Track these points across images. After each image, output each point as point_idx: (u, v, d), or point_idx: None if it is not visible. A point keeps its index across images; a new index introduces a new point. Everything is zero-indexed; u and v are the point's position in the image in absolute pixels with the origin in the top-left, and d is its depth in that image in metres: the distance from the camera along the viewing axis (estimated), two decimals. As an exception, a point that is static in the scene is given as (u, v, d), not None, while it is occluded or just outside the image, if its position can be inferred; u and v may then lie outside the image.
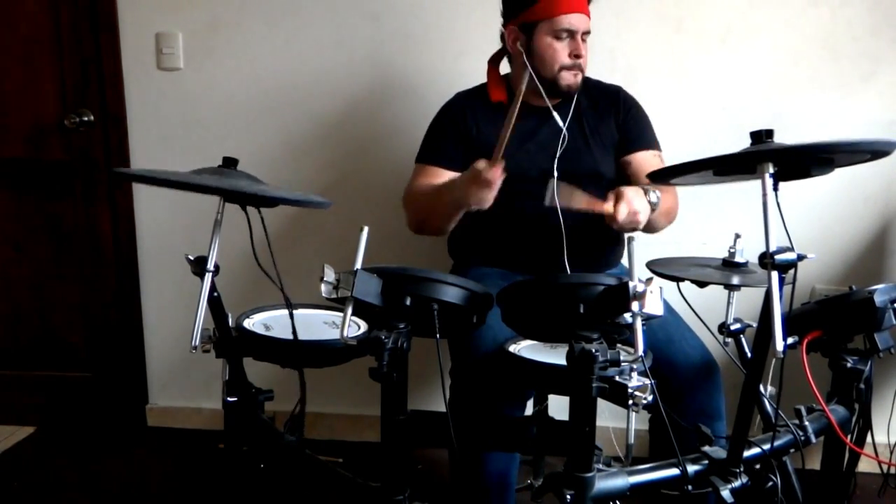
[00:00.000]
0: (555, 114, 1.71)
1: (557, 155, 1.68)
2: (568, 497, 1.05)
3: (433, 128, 1.79)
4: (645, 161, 1.73)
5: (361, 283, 1.06)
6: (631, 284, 0.99)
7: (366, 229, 1.09)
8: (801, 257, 0.99)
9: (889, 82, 2.02)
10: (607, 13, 1.96)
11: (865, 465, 1.54)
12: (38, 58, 2.21)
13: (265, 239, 1.21)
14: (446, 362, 1.55)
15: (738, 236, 1.39)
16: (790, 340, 1.31)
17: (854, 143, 1.15)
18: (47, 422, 2.43)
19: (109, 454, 2.26)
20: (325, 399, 2.31)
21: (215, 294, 1.28)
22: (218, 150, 1.34)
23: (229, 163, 1.26)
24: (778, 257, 0.97)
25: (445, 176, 1.72)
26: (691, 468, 1.15)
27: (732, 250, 1.39)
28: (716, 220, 2.07)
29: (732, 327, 1.41)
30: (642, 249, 1.06)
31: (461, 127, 1.73)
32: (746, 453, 1.18)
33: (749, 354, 1.32)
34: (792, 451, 1.28)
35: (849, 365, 1.36)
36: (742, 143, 1.10)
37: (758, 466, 1.21)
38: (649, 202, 1.51)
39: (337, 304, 1.09)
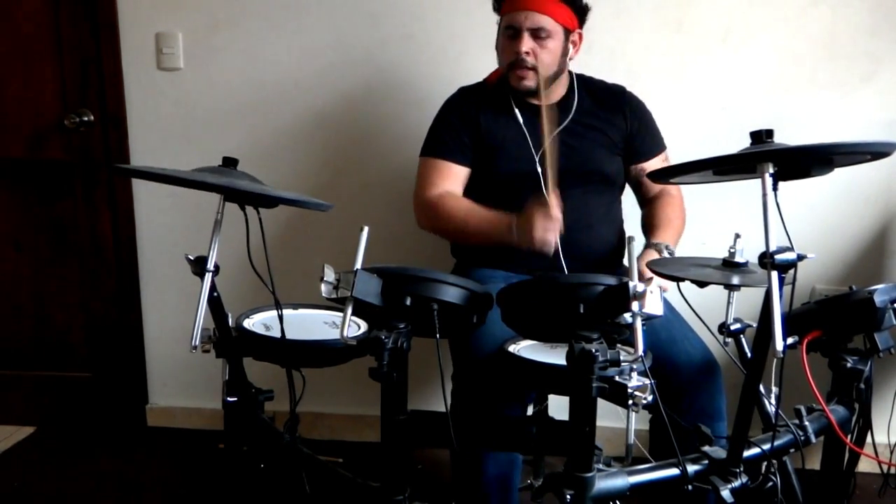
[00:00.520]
0: (518, 111, 1.71)
1: (541, 152, 1.68)
2: (568, 497, 1.05)
3: (439, 121, 1.78)
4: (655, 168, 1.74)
5: (361, 283, 1.06)
6: (631, 284, 0.99)
7: (366, 229, 1.09)
8: (801, 257, 0.99)
9: (889, 82, 2.02)
10: (607, 13, 1.96)
11: (865, 465, 1.54)
12: (38, 58, 2.21)
13: (262, 239, 1.21)
14: (447, 363, 1.55)
15: (738, 236, 1.39)
16: (790, 340, 1.31)
17: (854, 145, 1.15)
18: (47, 422, 2.43)
19: (109, 454, 2.26)
20: (325, 399, 2.31)
21: (215, 294, 1.28)
22: (218, 150, 1.34)
23: (229, 163, 1.26)
24: (778, 257, 0.97)
25: (454, 171, 1.72)
26: (691, 468, 1.15)
27: (732, 250, 1.39)
28: (716, 220, 2.06)
29: (732, 327, 1.41)
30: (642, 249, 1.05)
31: (468, 119, 1.73)
32: (746, 453, 1.18)
33: (749, 354, 1.32)
34: (792, 451, 1.28)
35: (849, 365, 1.36)
36: (742, 143, 1.10)
37: (760, 468, 1.21)
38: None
39: (337, 304, 1.09)
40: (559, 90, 1.75)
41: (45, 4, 2.17)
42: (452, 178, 1.72)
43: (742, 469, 1.16)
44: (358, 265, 1.08)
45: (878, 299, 1.30)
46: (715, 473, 1.16)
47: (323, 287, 1.06)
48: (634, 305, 0.99)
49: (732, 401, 1.27)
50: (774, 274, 0.98)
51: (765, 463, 1.21)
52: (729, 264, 1.39)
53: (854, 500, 1.51)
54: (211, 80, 2.19)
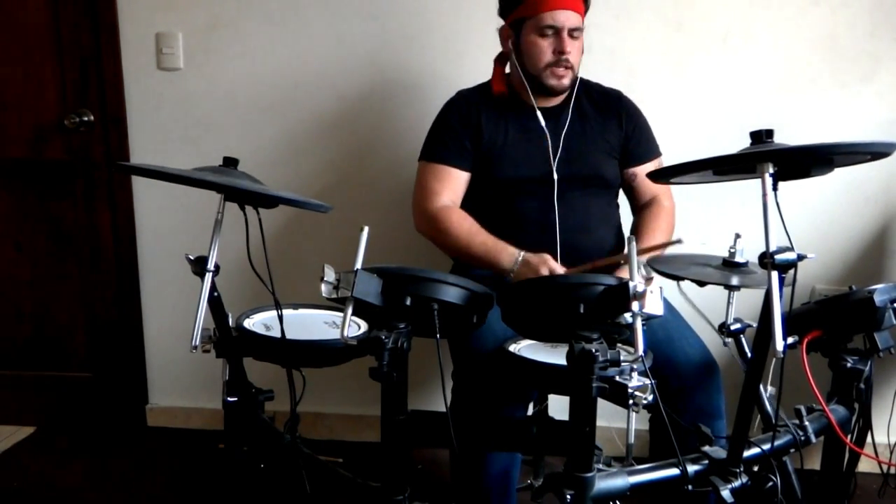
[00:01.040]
0: (524, 113, 1.71)
1: (557, 156, 1.68)
2: (568, 497, 1.05)
3: (439, 125, 1.77)
4: (645, 177, 1.73)
5: (361, 283, 1.06)
6: (631, 284, 0.99)
7: (366, 229, 1.09)
8: (801, 257, 0.99)
9: (889, 82, 2.02)
10: (607, 13, 1.96)
11: (865, 465, 1.54)
12: (38, 58, 2.21)
13: (262, 239, 1.21)
14: (447, 363, 1.55)
15: (738, 236, 1.39)
16: (790, 340, 1.31)
17: (854, 145, 1.15)
18: (47, 422, 2.43)
19: (109, 454, 2.26)
20: (325, 399, 2.31)
21: (215, 294, 1.28)
22: (218, 150, 1.34)
23: (229, 163, 1.26)
24: (778, 257, 0.97)
25: (455, 176, 1.71)
26: (691, 468, 1.15)
27: (732, 250, 1.39)
28: (716, 220, 2.07)
29: (732, 327, 1.41)
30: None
31: (468, 122, 1.72)
32: (746, 453, 1.18)
33: (749, 354, 1.32)
34: (792, 451, 1.28)
35: (849, 365, 1.37)
36: (742, 142, 1.10)
37: (757, 467, 1.21)
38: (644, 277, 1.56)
39: (337, 304, 1.09)
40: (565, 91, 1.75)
41: (45, 4, 2.17)
42: (453, 184, 1.71)
43: (742, 469, 1.16)
44: (358, 265, 1.08)
45: (878, 299, 1.30)
46: (715, 473, 1.16)
47: (323, 287, 1.06)
48: (634, 305, 0.99)
49: (732, 401, 1.27)
50: (774, 274, 0.98)
51: (761, 463, 1.21)
52: (729, 264, 1.39)
53: (854, 500, 1.51)
54: (211, 80, 2.19)
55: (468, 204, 1.79)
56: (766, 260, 0.98)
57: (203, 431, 2.39)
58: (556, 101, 1.73)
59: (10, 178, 2.31)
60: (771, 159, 1.01)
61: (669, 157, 1.82)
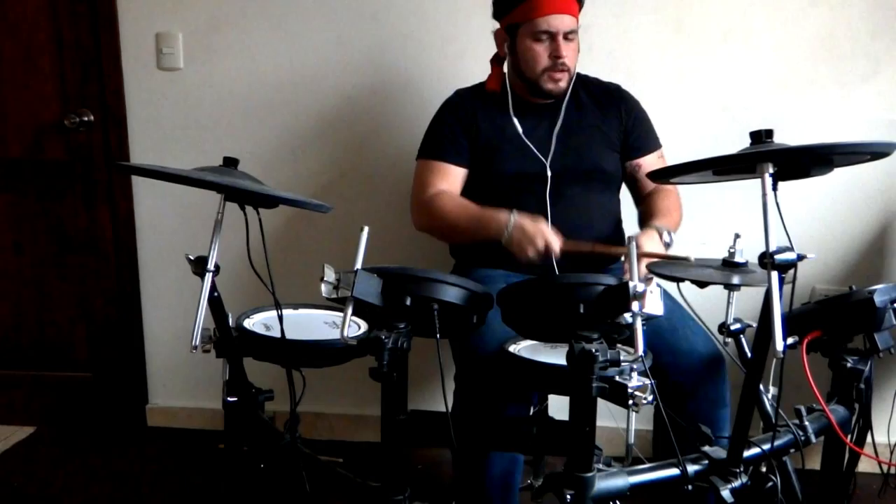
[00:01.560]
0: (521, 111, 1.71)
1: (541, 154, 1.69)
2: (568, 497, 1.05)
3: (436, 123, 1.78)
4: (651, 165, 1.75)
5: (361, 283, 1.06)
6: (631, 284, 0.99)
7: (366, 229, 1.09)
8: (801, 257, 0.99)
9: (889, 82, 2.02)
10: (607, 14, 1.96)
11: (865, 465, 1.54)
12: (38, 58, 2.21)
13: (262, 239, 1.21)
14: (447, 363, 1.55)
15: (738, 236, 1.39)
16: (790, 340, 1.31)
17: (853, 145, 1.15)
18: (47, 422, 2.43)
19: (109, 454, 2.26)
20: (325, 399, 2.31)
21: (215, 294, 1.28)
22: (218, 150, 1.34)
23: (230, 163, 1.26)
24: (778, 257, 0.97)
25: (451, 171, 1.72)
26: (691, 468, 1.15)
27: (732, 250, 1.39)
28: (716, 220, 2.06)
29: (732, 327, 1.42)
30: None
31: (466, 121, 1.73)
32: (746, 453, 1.18)
33: (749, 354, 1.32)
34: (792, 451, 1.28)
35: (849, 365, 1.37)
36: (742, 142, 1.10)
37: (757, 467, 1.21)
38: (665, 244, 1.57)
39: (337, 304, 1.09)
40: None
41: (45, 4, 2.17)
42: (449, 179, 1.72)
43: (742, 469, 1.16)
44: (358, 265, 1.08)
45: (878, 299, 1.30)
46: (715, 473, 1.16)
47: (323, 287, 1.06)
48: (634, 305, 0.99)
49: (733, 401, 1.27)
50: (774, 274, 0.98)
51: (761, 463, 1.21)
52: (729, 264, 1.39)
53: (854, 500, 1.50)
54: (211, 80, 2.19)
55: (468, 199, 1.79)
56: (766, 260, 0.98)
57: (203, 431, 2.39)
58: (549, 98, 1.73)
59: (10, 178, 2.31)
60: (771, 159, 1.02)
61: (669, 157, 1.83)
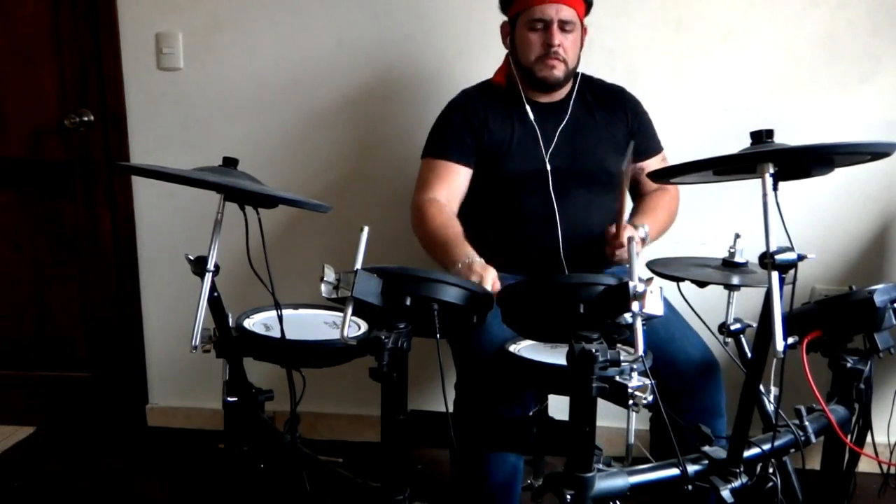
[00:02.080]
0: (527, 109, 1.71)
1: (545, 153, 1.68)
2: (568, 497, 1.05)
3: (442, 122, 1.77)
4: (654, 168, 1.73)
5: (361, 283, 1.06)
6: (631, 284, 0.99)
7: (366, 229, 1.09)
8: (801, 257, 0.99)
9: (889, 82, 2.02)
10: (607, 13, 1.96)
11: (865, 465, 1.54)
12: (38, 58, 2.21)
13: (261, 240, 1.21)
14: (447, 363, 1.55)
15: (738, 236, 1.40)
16: (790, 340, 1.31)
17: (854, 145, 1.15)
18: (47, 422, 2.43)
19: (109, 454, 2.26)
20: (325, 399, 2.31)
21: (215, 294, 1.28)
22: (218, 150, 1.34)
23: (229, 163, 1.26)
24: (778, 257, 0.97)
25: (454, 171, 1.71)
26: (691, 468, 1.15)
27: (732, 250, 1.40)
28: (716, 220, 2.07)
29: (732, 327, 1.42)
30: (642, 249, 1.06)
31: (472, 121, 1.72)
32: (746, 453, 1.18)
33: (749, 354, 1.32)
34: (792, 451, 1.28)
35: (849, 365, 1.37)
36: (742, 142, 1.10)
37: (759, 467, 1.21)
38: (640, 238, 1.57)
39: (337, 304, 1.09)
40: (567, 86, 1.75)
41: (45, 4, 2.17)
42: (450, 179, 1.71)
43: (742, 469, 1.16)
44: (358, 265, 1.07)
45: (878, 299, 1.30)
46: (715, 473, 1.16)
47: (323, 287, 1.06)
48: (634, 305, 0.98)
49: (732, 401, 1.27)
50: (774, 274, 0.98)
51: (761, 463, 1.21)
52: (729, 264, 1.39)
53: (854, 500, 1.51)
54: (211, 80, 2.19)
55: (474, 203, 1.79)
56: (767, 260, 0.98)
57: (203, 431, 2.39)
58: (557, 96, 1.73)
59: (10, 178, 2.31)
60: (771, 159, 1.02)
61: (669, 157, 1.83)
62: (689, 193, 1.85)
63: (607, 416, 1.34)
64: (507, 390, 1.42)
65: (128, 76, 2.20)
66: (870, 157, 1.13)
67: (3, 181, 2.31)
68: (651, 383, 1.02)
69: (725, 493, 1.13)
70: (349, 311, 1.06)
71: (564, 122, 1.71)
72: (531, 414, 1.52)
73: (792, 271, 1.00)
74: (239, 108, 2.19)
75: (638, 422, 1.26)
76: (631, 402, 1.01)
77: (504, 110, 1.73)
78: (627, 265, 1.04)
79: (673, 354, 1.48)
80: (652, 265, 1.41)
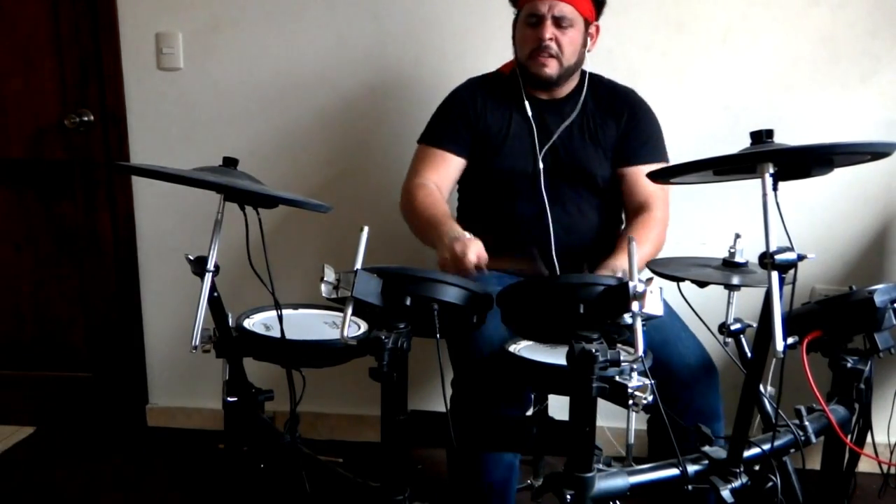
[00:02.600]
0: (525, 104, 1.70)
1: (537, 151, 1.68)
2: (568, 497, 1.05)
3: (441, 110, 1.78)
4: (639, 177, 1.67)
5: (361, 283, 1.06)
6: (631, 284, 0.99)
7: (366, 229, 1.09)
8: (801, 257, 0.99)
9: (889, 82, 2.02)
10: (607, 13, 1.96)
11: (865, 465, 1.54)
12: (38, 58, 2.21)
13: (262, 239, 1.21)
14: (447, 363, 1.55)
15: (738, 236, 1.39)
16: (790, 340, 1.31)
17: (854, 145, 1.15)
18: (47, 422, 2.43)
19: (109, 454, 2.26)
20: (325, 399, 2.31)
21: (215, 294, 1.28)
22: (218, 150, 1.34)
23: (229, 163, 1.26)
24: (778, 257, 0.97)
25: (446, 159, 1.71)
26: (691, 468, 1.15)
27: (732, 250, 1.39)
28: (716, 220, 2.07)
29: (732, 327, 1.41)
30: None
31: (469, 111, 1.73)
32: (746, 453, 1.18)
33: (749, 354, 1.32)
34: (792, 451, 1.28)
35: (849, 365, 1.37)
36: (742, 142, 1.10)
37: (758, 467, 1.21)
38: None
39: (337, 304, 1.09)
40: (569, 86, 1.74)
41: (45, 4, 2.17)
42: (440, 167, 1.71)
43: (742, 469, 1.16)
44: (358, 265, 1.08)
45: (878, 299, 1.30)
46: (715, 473, 1.16)
47: (323, 287, 1.06)
48: (634, 305, 0.98)
49: (732, 401, 1.27)
50: (774, 274, 0.98)
51: (761, 463, 1.21)
52: (729, 264, 1.39)
53: (854, 500, 1.51)
54: (211, 80, 2.19)
55: (470, 199, 1.79)
56: (766, 260, 0.98)
57: (203, 431, 2.39)
58: (558, 94, 1.72)
59: (11, 178, 2.31)
60: (771, 160, 1.01)
61: (670, 156, 1.82)
62: (690, 193, 1.85)
63: (607, 416, 1.34)
64: (504, 389, 1.42)
65: (128, 76, 2.20)
66: (870, 157, 1.13)
67: (3, 181, 2.31)
68: (651, 383, 1.02)
69: (725, 493, 1.13)
70: (349, 311, 1.06)
71: (560, 122, 1.70)
72: (531, 414, 1.52)
73: (792, 271, 1.00)
74: (239, 108, 2.20)
75: (638, 422, 1.26)
76: (631, 402, 1.01)
77: (504, 103, 1.73)
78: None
79: (668, 358, 1.46)
80: (652, 265, 1.41)
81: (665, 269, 1.38)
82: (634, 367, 1.04)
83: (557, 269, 1.64)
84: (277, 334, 1.29)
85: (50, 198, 2.31)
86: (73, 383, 2.44)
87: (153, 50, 2.18)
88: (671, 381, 1.45)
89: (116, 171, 2.26)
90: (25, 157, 2.28)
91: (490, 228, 1.71)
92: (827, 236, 2.11)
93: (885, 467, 1.47)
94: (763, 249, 0.98)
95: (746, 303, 1.48)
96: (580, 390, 1.04)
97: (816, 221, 2.09)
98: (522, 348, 1.36)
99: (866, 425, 1.40)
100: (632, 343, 1.00)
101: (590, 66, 1.85)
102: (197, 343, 1.18)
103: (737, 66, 2.04)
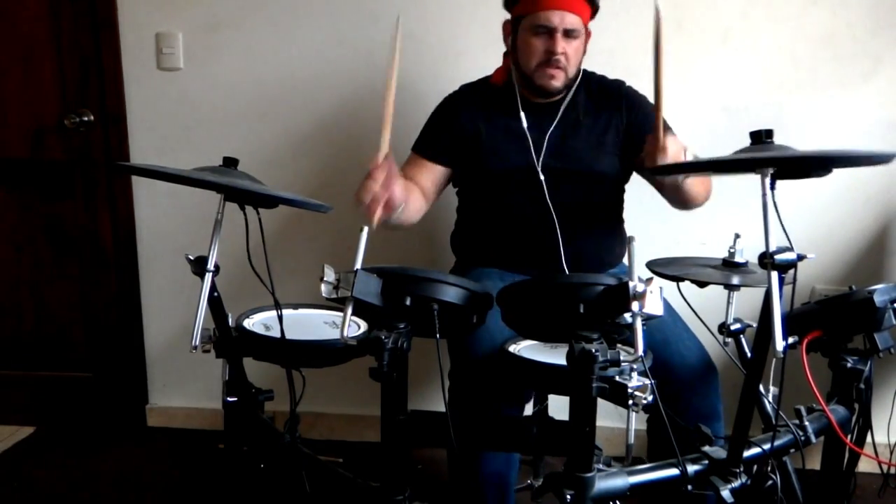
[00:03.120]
0: (519, 108, 1.69)
1: (534, 153, 1.67)
2: (568, 497, 1.05)
3: (430, 118, 1.79)
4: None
5: (361, 283, 1.06)
6: (631, 284, 0.99)
7: (366, 229, 1.09)
8: (800, 257, 0.99)
9: (889, 82, 2.02)
10: (607, 13, 1.95)
11: (865, 465, 1.54)
12: (38, 58, 2.21)
13: (262, 239, 1.21)
14: (446, 363, 1.55)
15: (737, 236, 1.40)
16: (790, 340, 1.31)
17: (853, 156, 1.15)
18: (47, 422, 2.43)
19: (109, 454, 2.26)
20: (325, 399, 2.31)
21: (215, 294, 1.28)
22: (218, 150, 1.34)
23: (230, 163, 1.26)
24: (778, 257, 0.97)
25: (427, 167, 1.72)
26: (691, 468, 1.15)
27: (732, 250, 1.40)
28: (716, 220, 2.06)
29: (732, 327, 1.42)
30: (642, 249, 1.06)
31: (454, 121, 1.73)
32: (746, 453, 1.18)
33: (749, 354, 1.32)
34: (792, 451, 1.28)
35: (849, 365, 1.37)
36: (742, 142, 1.10)
37: (758, 467, 1.21)
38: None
39: (337, 304, 1.09)
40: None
41: (45, 4, 2.17)
42: (423, 174, 1.72)
43: (742, 469, 1.16)
44: (358, 265, 1.08)
45: (878, 299, 1.30)
46: (715, 473, 1.16)
47: (323, 287, 1.06)
48: (634, 305, 0.98)
49: (732, 401, 1.27)
50: (774, 274, 0.98)
51: (761, 463, 1.21)
52: (729, 264, 1.39)
53: (854, 500, 1.51)
54: (211, 80, 2.19)
55: (471, 204, 1.79)
56: (766, 260, 0.98)
57: (203, 431, 2.39)
58: (553, 97, 1.72)
59: (10, 178, 2.31)
60: (769, 165, 1.01)
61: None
62: (689, 193, 1.85)
63: (607, 416, 1.34)
64: (506, 390, 1.42)
65: (128, 76, 2.20)
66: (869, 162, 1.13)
67: (3, 181, 2.31)
68: (651, 383, 1.02)
69: (725, 493, 1.13)
70: (349, 311, 1.06)
71: (555, 124, 1.70)
72: (531, 414, 1.52)
73: (792, 271, 1.00)
74: (239, 108, 2.20)
75: (638, 422, 1.26)
76: (631, 402, 1.01)
77: (496, 109, 1.72)
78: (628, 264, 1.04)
79: (668, 359, 1.46)
80: (652, 265, 1.41)
81: (665, 269, 1.38)
82: (634, 367, 1.04)
83: (565, 268, 1.64)
84: (277, 334, 1.29)
85: (50, 198, 2.31)
86: (73, 383, 2.44)
87: (153, 50, 2.18)
88: (671, 380, 1.45)
89: (117, 171, 2.26)
90: (25, 157, 2.28)
91: (494, 231, 1.71)
92: (827, 236, 2.11)
93: (885, 467, 1.47)
94: (763, 249, 0.98)
95: (746, 303, 1.48)
96: (580, 390, 1.04)
97: (816, 221, 2.09)
98: (522, 348, 1.36)
99: (866, 425, 1.40)
100: (632, 343, 1.00)
101: (590, 66, 1.85)
102: (197, 343, 1.18)
103: (737, 66, 2.04)
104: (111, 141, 2.24)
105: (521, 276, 1.64)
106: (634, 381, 1.02)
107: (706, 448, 1.20)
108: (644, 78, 2.00)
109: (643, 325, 1.00)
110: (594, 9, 1.66)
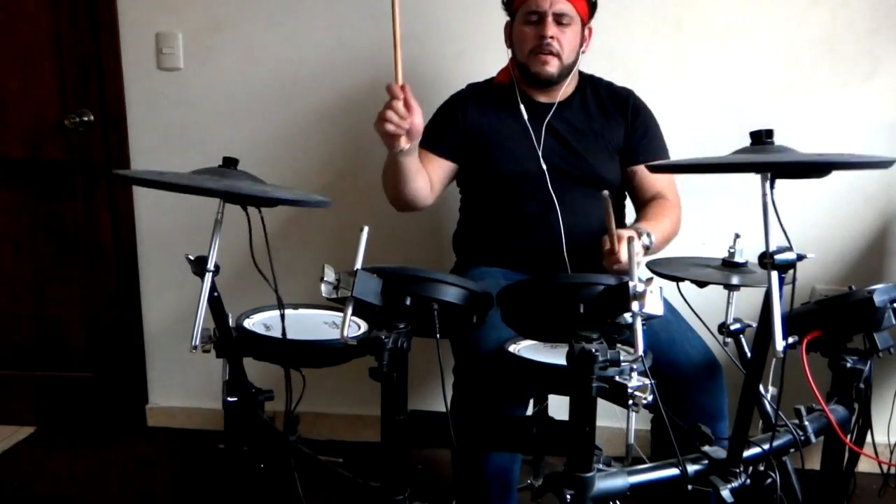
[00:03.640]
0: (522, 108, 1.70)
1: (540, 153, 1.68)
2: (568, 497, 1.05)
3: (437, 113, 1.80)
4: (648, 174, 1.71)
5: (361, 283, 1.06)
6: (631, 284, 0.99)
7: (366, 229, 1.09)
8: (800, 257, 0.99)
9: (889, 82, 2.02)
10: (607, 13, 1.96)
11: (865, 465, 1.54)
12: (38, 58, 2.21)
13: (264, 239, 1.21)
14: (447, 363, 1.55)
15: (737, 236, 1.40)
16: (790, 340, 1.31)
17: (852, 162, 1.14)
18: (47, 422, 2.43)
19: (109, 454, 2.26)
20: (325, 399, 2.31)
21: (215, 294, 1.28)
22: (218, 150, 1.34)
23: (229, 163, 1.26)
24: (778, 257, 0.97)
25: (433, 160, 1.73)
26: (691, 468, 1.15)
27: (732, 250, 1.40)
28: (716, 220, 2.06)
29: (732, 327, 1.41)
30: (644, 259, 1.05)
31: (457, 116, 1.74)
32: (746, 453, 1.18)
33: (749, 354, 1.32)
34: (792, 450, 1.28)
35: (849, 365, 1.36)
36: (742, 142, 1.10)
37: (757, 466, 1.21)
38: (643, 246, 1.50)
39: (337, 304, 1.09)
40: (568, 87, 1.75)
41: (45, 4, 2.17)
42: (430, 167, 1.72)
43: (742, 469, 1.16)
44: (358, 265, 1.08)
45: (878, 299, 1.30)
46: (715, 473, 1.16)
47: (323, 287, 1.06)
48: (634, 305, 0.99)
49: (732, 401, 1.27)
50: (774, 274, 0.97)
51: (761, 462, 1.21)
52: (729, 264, 1.39)
53: (854, 500, 1.50)
54: (211, 80, 2.19)
55: (473, 203, 1.79)
56: (766, 260, 0.98)
57: (203, 431, 2.39)
58: (557, 96, 1.73)
59: (10, 178, 2.31)
60: (769, 170, 1.00)
61: (671, 155, 1.82)
62: (690, 193, 1.85)
63: (607, 416, 1.34)
64: (506, 390, 1.42)
65: (128, 76, 2.20)
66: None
67: (3, 181, 2.31)
68: (651, 383, 1.02)
69: (725, 493, 1.13)
70: (349, 311, 1.06)
71: (558, 124, 1.71)
72: (531, 414, 1.52)
73: (792, 271, 1.00)
74: (239, 108, 2.20)
75: (638, 422, 1.26)
76: (631, 402, 1.01)
77: (500, 108, 1.73)
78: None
79: (674, 357, 1.47)
80: (652, 265, 1.41)
81: (665, 269, 1.38)
82: (634, 367, 1.04)
83: (568, 267, 1.64)
84: (277, 334, 1.29)
85: (50, 198, 2.31)
86: (73, 383, 2.44)
87: (153, 50, 2.18)
88: (678, 380, 1.45)
89: (114, 181, 2.26)
90: (25, 158, 2.28)
91: (499, 231, 1.71)
92: (827, 236, 2.11)
93: (884, 467, 1.47)
94: (763, 249, 0.98)
95: (746, 303, 1.48)
96: (580, 390, 1.04)
97: (816, 221, 2.09)
98: (522, 348, 1.36)
99: (866, 425, 1.40)
100: (632, 343, 1.00)
101: (590, 66, 1.85)
102: (197, 343, 1.18)
103: (737, 66, 2.04)
104: (111, 141, 2.24)
105: (524, 275, 1.64)
106: (634, 381, 1.02)
107: (706, 448, 1.20)
108: (644, 78, 2.02)
109: (643, 325, 1.00)
110: (589, 1, 1.68)
